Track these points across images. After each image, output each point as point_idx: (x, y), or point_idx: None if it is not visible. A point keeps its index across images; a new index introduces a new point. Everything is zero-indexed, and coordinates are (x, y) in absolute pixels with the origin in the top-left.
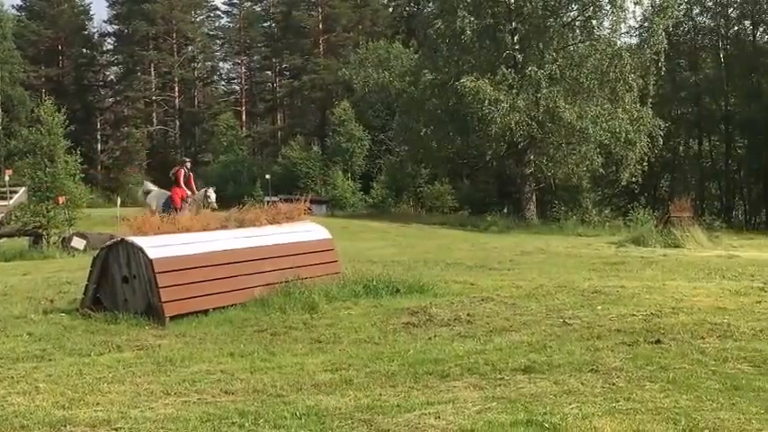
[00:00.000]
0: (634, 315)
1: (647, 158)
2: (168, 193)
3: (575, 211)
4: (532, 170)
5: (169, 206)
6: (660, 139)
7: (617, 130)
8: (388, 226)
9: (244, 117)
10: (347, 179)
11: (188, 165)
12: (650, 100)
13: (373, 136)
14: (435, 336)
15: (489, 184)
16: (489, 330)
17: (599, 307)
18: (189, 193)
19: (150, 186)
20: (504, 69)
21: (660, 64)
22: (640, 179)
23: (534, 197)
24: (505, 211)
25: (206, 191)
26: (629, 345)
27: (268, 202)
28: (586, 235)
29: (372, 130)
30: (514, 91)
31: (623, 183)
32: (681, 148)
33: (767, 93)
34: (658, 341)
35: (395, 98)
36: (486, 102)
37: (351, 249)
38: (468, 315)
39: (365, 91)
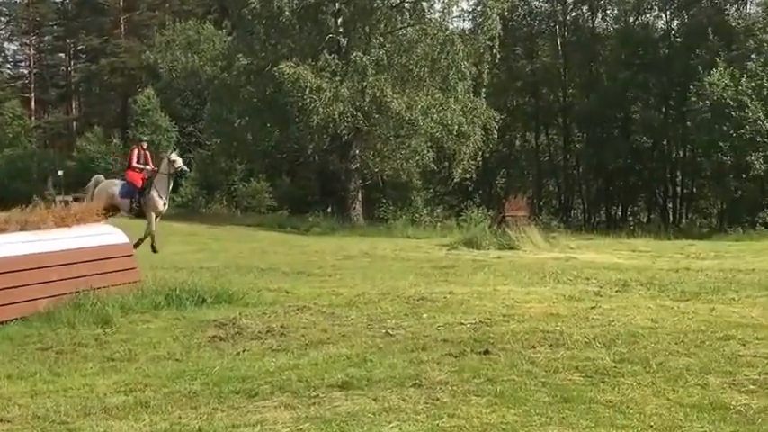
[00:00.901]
0: (462, 324)
1: (481, 153)
2: (117, 181)
3: (404, 211)
4: (358, 166)
5: (132, 191)
6: (495, 132)
7: (449, 122)
8: (198, 228)
9: (33, 105)
10: None
11: (144, 145)
12: (484, 90)
13: (181, 127)
14: (244, 350)
15: (311, 181)
16: (304, 343)
17: (425, 315)
18: (150, 168)
19: (101, 178)
20: (327, 55)
21: (495, 51)
22: (474, 176)
23: (360, 195)
24: (329, 210)
25: (168, 157)
26: (456, 356)
27: (60, 201)
28: (416, 237)
29: (181, 120)
30: (338, 78)
31: (456, 179)
32: (517, 142)
33: (606, 83)
34: (487, 351)
35: (206, 85)
36: (308, 90)
37: (153, 255)
38: (281, 327)
39: (172, 77)
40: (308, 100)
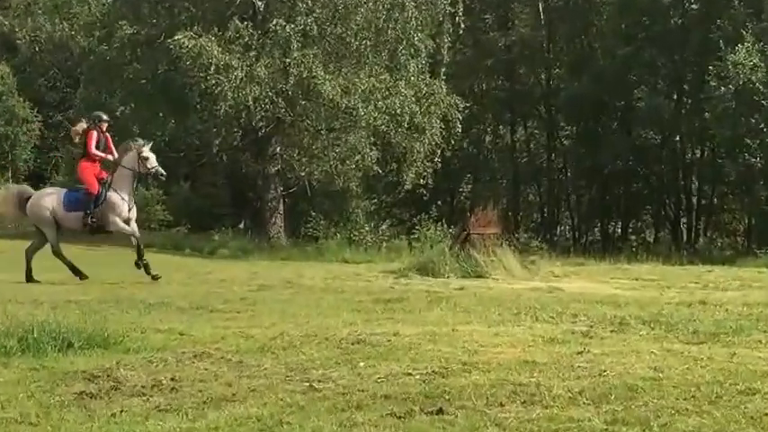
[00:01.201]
0: (410, 374)
1: (440, 152)
2: (53, 189)
3: (340, 227)
4: (279, 168)
5: (85, 199)
6: (459, 124)
7: (398, 111)
8: (66, 248)
9: None
10: (5, 180)
11: (104, 126)
12: (445, 70)
13: (46, 117)
14: (123, 411)
15: (218, 187)
16: (202, 401)
17: (362, 364)
18: (110, 157)
19: (29, 191)
20: (239, 23)
21: (458, 19)
22: (431, 181)
23: (282, 207)
24: (241, 226)
25: (138, 150)
26: (400, 417)
27: None
28: (355, 261)
29: (45, 107)
30: (253, 54)
31: (408, 186)
32: (488, 137)
33: (601, 62)
34: (441, 411)
35: (78, 61)
36: (213, 68)
37: (7, 286)
38: (172, 380)
39: (34, 50)
40: (214, 81)
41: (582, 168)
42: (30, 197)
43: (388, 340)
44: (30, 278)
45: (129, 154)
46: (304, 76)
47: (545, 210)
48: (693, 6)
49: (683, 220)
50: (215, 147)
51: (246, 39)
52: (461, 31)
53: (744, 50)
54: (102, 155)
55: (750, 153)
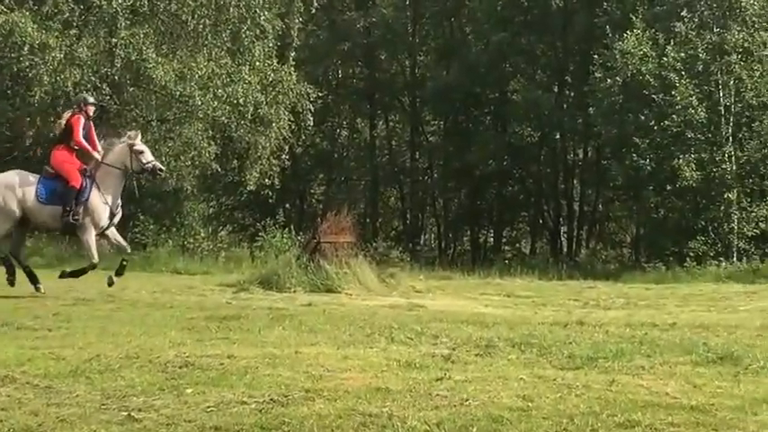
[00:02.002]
0: (244, 403)
1: (288, 148)
2: (27, 175)
3: (172, 233)
4: None
5: (66, 191)
6: (311, 116)
7: (241, 100)
8: None
9: None
10: None
11: (90, 110)
12: (295, 54)
13: None
14: None
15: None
16: None
17: (189, 390)
18: (95, 154)
19: None
20: None
21: None
22: (278, 182)
23: None
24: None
25: (129, 141)
26: None
27: None
28: (189, 272)
29: None
30: (74, 32)
31: (251, 187)
32: (344, 132)
33: (473, 49)
34: None
35: None
36: (27, 48)
37: None
38: None
39: None
40: (28, 63)
41: (450, 169)
42: None
43: (221, 364)
44: (33, 280)
45: (118, 148)
46: (132, 58)
47: (407, 216)
48: None
49: (563, 228)
50: (28, 138)
51: (67, 15)
52: (314, 11)
53: (633, 38)
54: (89, 148)
55: (639, 154)
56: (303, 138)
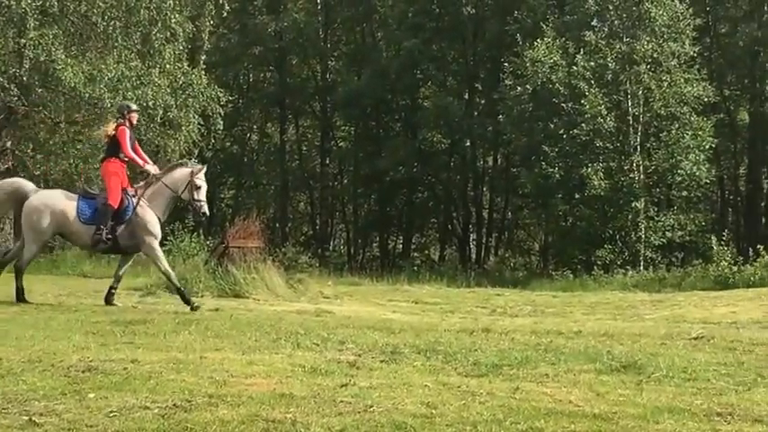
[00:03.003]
0: (147, 408)
1: (198, 151)
2: (68, 194)
3: None
4: (10, 165)
5: (103, 211)
6: (221, 120)
7: (150, 103)
8: None
9: None
10: None
11: (134, 117)
12: (206, 58)
13: None
14: None
15: None
16: None
17: (92, 395)
18: (149, 168)
19: (24, 184)
20: None
21: (222, 1)
22: None
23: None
24: None
25: (193, 171)
26: None
27: None
28: (95, 275)
29: None
30: None
31: None
32: (254, 136)
33: (384, 55)
34: None
35: None
36: None
37: None
38: None
39: None
40: None
41: (360, 174)
42: (27, 194)
43: (125, 368)
44: (21, 297)
45: (179, 172)
46: (41, 59)
47: (317, 221)
48: None
49: (473, 236)
50: None
51: None
52: (225, 14)
53: (543, 46)
54: (140, 161)
55: (548, 162)
56: (213, 141)
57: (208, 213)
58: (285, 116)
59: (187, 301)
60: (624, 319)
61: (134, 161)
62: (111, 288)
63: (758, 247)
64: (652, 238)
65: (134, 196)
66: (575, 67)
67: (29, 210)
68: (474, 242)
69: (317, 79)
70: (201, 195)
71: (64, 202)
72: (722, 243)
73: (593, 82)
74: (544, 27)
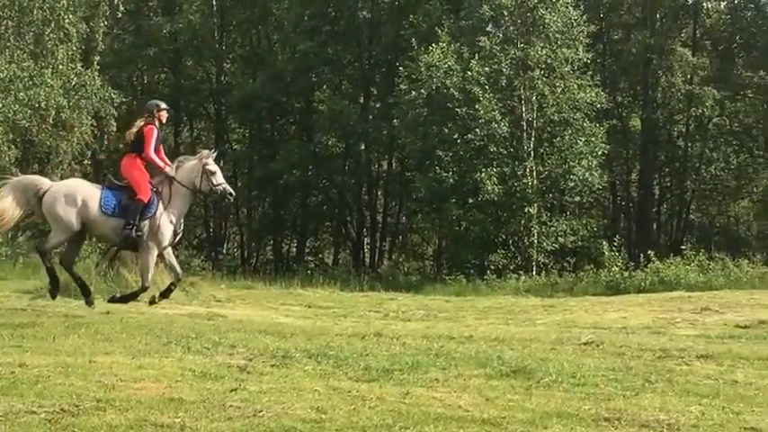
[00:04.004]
0: (33, 413)
1: (91, 153)
2: (93, 186)
3: None
4: None
5: (133, 205)
6: (114, 122)
7: (43, 104)
8: None
9: None
10: None
11: (164, 116)
12: (99, 58)
13: None
14: None
15: None
16: None
17: None
18: (168, 170)
19: (42, 181)
20: None
21: (116, 1)
22: None
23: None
24: None
25: (202, 158)
26: None
27: None
28: None
29: None
30: None
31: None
32: None
33: (280, 58)
34: None
35: None
36: None
37: None
38: None
39: None
40: None
41: (254, 177)
42: (43, 188)
43: (12, 372)
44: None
45: (188, 165)
46: None
47: (210, 224)
48: None
49: (367, 239)
50: None
51: None
52: (120, 15)
53: (438, 51)
54: (159, 164)
55: (442, 167)
56: (106, 143)
57: (234, 193)
58: (180, 118)
59: (133, 296)
60: (516, 323)
61: (154, 163)
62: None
63: (649, 252)
64: (545, 243)
65: (157, 192)
66: (469, 72)
67: (50, 200)
68: (368, 246)
69: (211, 81)
70: (219, 179)
71: (86, 190)
72: (614, 249)
73: (487, 87)
74: (439, 32)
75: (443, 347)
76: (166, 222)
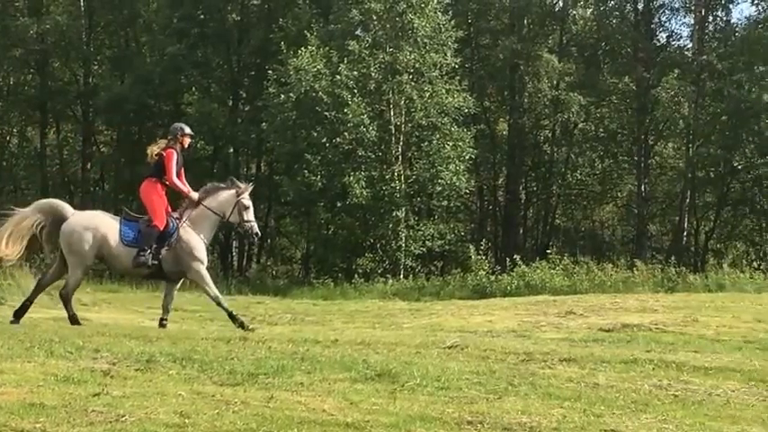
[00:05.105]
0: None
1: None
2: (108, 217)
3: None
4: None
5: (148, 234)
6: None
7: None
8: None
9: None
10: None
11: (186, 141)
12: None
13: None
14: None
15: None
16: None
17: None
18: (192, 196)
19: (64, 208)
20: None
21: None
22: None
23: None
24: None
25: (238, 190)
26: None
27: None
28: None
29: None
30: None
31: None
32: (14, 140)
33: (148, 59)
34: None
35: None
36: None
37: None
38: None
39: None
40: None
41: (122, 180)
42: (65, 215)
43: None
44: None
45: (223, 195)
46: None
47: None
48: (255, 2)
49: (234, 243)
50: None
51: None
52: None
53: (307, 55)
54: (183, 189)
55: (311, 171)
56: None
57: (260, 234)
58: (46, 120)
59: (241, 325)
60: (382, 327)
61: (176, 188)
62: (162, 320)
63: (515, 256)
64: (412, 247)
65: (177, 219)
66: (338, 76)
67: (68, 232)
68: (236, 249)
69: (79, 83)
70: (250, 215)
71: (106, 223)
72: (480, 253)
73: (356, 91)
74: (308, 35)
75: (309, 351)
76: (198, 241)
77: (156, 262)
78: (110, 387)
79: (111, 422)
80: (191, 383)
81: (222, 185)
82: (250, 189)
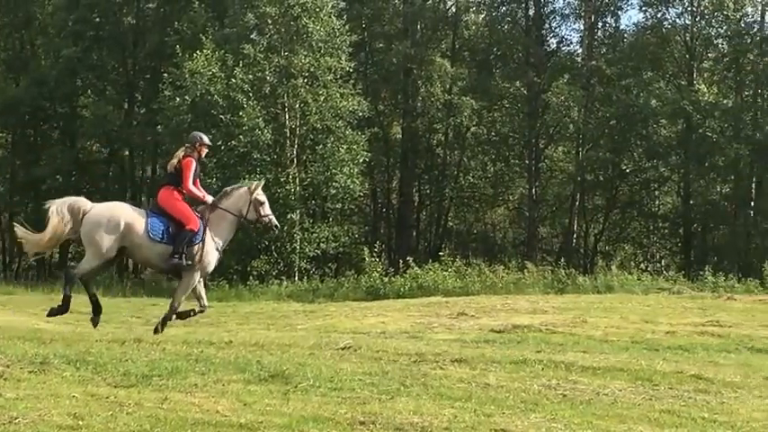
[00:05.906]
0: None
1: None
2: (134, 208)
3: None
4: None
5: (182, 233)
6: None
7: None
8: None
9: None
10: None
11: (204, 151)
12: None
13: None
14: None
15: None
16: None
17: None
18: (208, 199)
19: (85, 203)
20: None
21: None
22: None
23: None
24: None
25: (250, 190)
26: None
27: None
28: None
29: None
30: None
31: None
32: None
33: (43, 62)
34: None
35: None
36: None
37: None
38: None
39: None
40: None
41: (17, 182)
42: (85, 209)
43: None
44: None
45: (237, 193)
46: None
47: None
48: (150, 5)
49: None
50: None
51: None
52: None
53: (203, 58)
54: (199, 195)
55: (206, 173)
56: None
57: (279, 226)
58: None
59: (163, 322)
60: (277, 328)
61: (193, 195)
62: (200, 309)
63: (408, 258)
64: (307, 249)
65: (203, 219)
66: (233, 80)
67: (89, 223)
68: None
69: None
70: (267, 210)
71: (131, 214)
72: (374, 255)
73: (251, 94)
74: (204, 39)
75: (203, 353)
76: (212, 249)
77: (190, 262)
78: (3, 389)
79: (4, 424)
80: (85, 385)
81: (232, 187)
82: (262, 185)
